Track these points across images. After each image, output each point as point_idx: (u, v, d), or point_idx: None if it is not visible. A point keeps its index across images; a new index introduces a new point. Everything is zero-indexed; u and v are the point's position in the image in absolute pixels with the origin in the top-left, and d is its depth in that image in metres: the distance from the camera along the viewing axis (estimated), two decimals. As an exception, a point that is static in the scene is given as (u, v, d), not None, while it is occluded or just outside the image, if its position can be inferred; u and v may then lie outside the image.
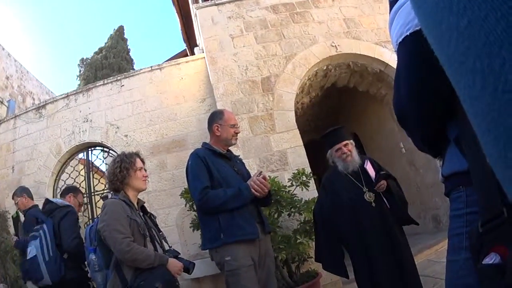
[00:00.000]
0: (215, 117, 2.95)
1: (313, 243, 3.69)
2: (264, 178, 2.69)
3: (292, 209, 4.48)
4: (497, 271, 0.70)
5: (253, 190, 2.61)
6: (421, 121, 1.00)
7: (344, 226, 3.21)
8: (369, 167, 3.31)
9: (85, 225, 6.85)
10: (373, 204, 3.15)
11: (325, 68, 6.54)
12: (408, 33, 0.94)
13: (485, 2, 0.26)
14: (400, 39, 0.96)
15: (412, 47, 0.94)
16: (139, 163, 2.72)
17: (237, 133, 2.94)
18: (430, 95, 0.94)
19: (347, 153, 3.32)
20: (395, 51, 1.03)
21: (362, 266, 3.14)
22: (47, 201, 4.24)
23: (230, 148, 3.08)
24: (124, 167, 2.63)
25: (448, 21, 0.30)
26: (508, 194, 0.30)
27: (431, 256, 5.26)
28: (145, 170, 2.79)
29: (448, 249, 1.02)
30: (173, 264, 2.49)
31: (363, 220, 3.12)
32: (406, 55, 0.98)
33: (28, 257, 3.65)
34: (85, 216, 7.03)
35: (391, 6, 1.03)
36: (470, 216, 0.92)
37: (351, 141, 3.46)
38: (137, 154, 2.80)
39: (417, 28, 0.90)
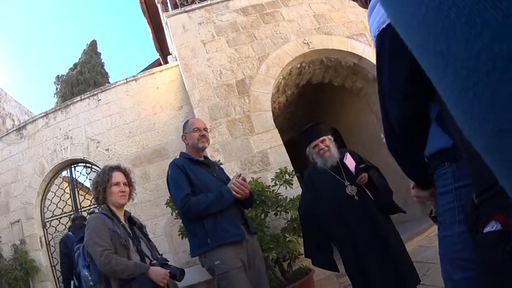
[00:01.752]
0: (183, 128, 3.03)
1: (302, 240, 3.73)
2: (243, 179, 2.73)
3: (278, 208, 4.50)
4: (500, 237, 0.72)
5: (234, 192, 2.65)
6: (407, 96, 1.02)
7: (328, 221, 3.23)
8: (348, 161, 3.32)
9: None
10: (356, 197, 3.16)
11: (299, 65, 6.57)
12: (384, 25, 0.99)
13: None
14: (384, 26, 1.01)
15: (395, 32, 0.98)
16: (115, 178, 2.71)
17: (202, 136, 2.94)
18: (415, 71, 0.95)
19: (324, 149, 3.32)
20: (373, 37, 1.07)
21: (350, 260, 3.16)
22: None
23: (210, 152, 3.12)
24: (100, 184, 2.65)
25: (409, 10, 0.33)
26: (488, 162, 0.34)
27: (423, 242, 5.29)
28: (128, 183, 2.79)
29: (440, 226, 1.04)
30: (155, 273, 2.46)
31: (347, 214, 3.13)
32: (389, 41, 1.01)
33: None
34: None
35: None
36: (459, 190, 0.94)
37: (329, 136, 3.46)
38: (117, 168, 2.80)
39: None
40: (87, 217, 3.02)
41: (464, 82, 0.29)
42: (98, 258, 2.33)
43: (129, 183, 2.81)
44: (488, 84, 0.28)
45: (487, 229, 0.76)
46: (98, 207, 2.74)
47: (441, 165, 1.01)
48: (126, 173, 2.83)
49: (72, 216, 4.89)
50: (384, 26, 1.01)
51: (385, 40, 1.03)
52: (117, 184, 2.70)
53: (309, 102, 9.24)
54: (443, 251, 1.04)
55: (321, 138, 3.36)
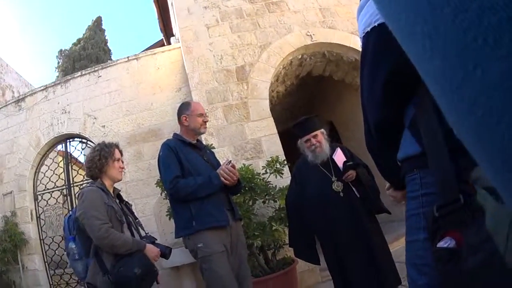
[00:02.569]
0: (183, 109, 3.03)
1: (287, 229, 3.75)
2: (233, 166, 2.77)
3: (267, 197, 4.52)
4: (451, 255, 0.74)
5: (222, 179, 2.68)
6: (384, 102, 1.04)
7: (312, 215, 3.25)
8: (337, 157, 3.32)
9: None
10: (341, 194, 3.19)
11: (300, 57, 6.56)
12: (376, 24, 0.99)
13: None
14: (368, 29, 1.01)
15: (379, 36, 0.98)
16: (117, 154, 2.78)
17: (205, 122, 3.00)
18: (393, 80, 0.99)
19: (316, 144, 3.32)
20: (360, 38, 1.09)
21: (331, 256, 3.19)
22: None
23: (204, 135, 3.15)
24: (103, 156, 2.68)
25: None
26: (472, 154, 0.32)
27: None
28: (122, 162, 2.85)
29: (407, 230, 1.07)
30: (151, 250, 2.55)
31: (331, 210, 3.15)
32: (373, 45, 1.02)
33: None
34: (65, 208, 7.05)
35: None
36: (425, 197, 0.97)
37: (322, 130, 3.45)
38: (116, 145, 2.85)
39: None
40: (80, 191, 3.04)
41: (453, 63, 0.28)
42: (97, 231, 2.34)
43: (122, 162, 2.87)
44: (479, 62, 0.26)
45: (441, 244, 0.78)
46: (91, 182, 2.75)
47: (411, 171, 1.03)
48: (121, 153, 2.89)
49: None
50: (369, 29, 1.02)
51: (369, 43, 1.04)
52: (118, 160, 2.77)
53: (308, 93, 9.24)
54: (408, 256, 1.06)
55: (313, 133, 3.36)
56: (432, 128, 0.90)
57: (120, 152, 2.87)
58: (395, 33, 0.36)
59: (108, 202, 2.51)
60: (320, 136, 3.38)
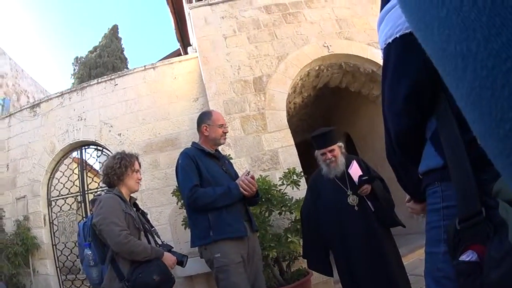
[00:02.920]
0: (204, 118, 3.01)
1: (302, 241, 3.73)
2: (252, 177, 2.75)
3: (283, 208, 4.51)
4: (474, 268, 0.74)
5: (241, 189, 2.66)
6: (406, 113, 1.04)
7: (327, 228, 3.25)
8: (353, 170, 3.30)
9: (79, 223, 6.87)
10: (356, 208, 3.17)
11: (317, 68, 6.57)
12: (398, 35, 0.98)
13: None
14: (390, 40, 1.01)
15: (401, 48, 0.99)
16: (136, 165, 2.81)
17: (225, 133, 2.99)
18: (415, 91, 0.99)
19: (331, 159, 3.31)
20: (381, 49, 1.08)
21: (343, 269, 3.18)
22: None
23: (220, 147, 3.14)
24: (123, 164, 2.70)
25: (430, 13, 0.33)
26: (500, 167, 0.33)
27: (423, 256, 5.29)
28: (140, 174, 2.87)
29: (427, 241, 1.06)
30: (168, 258, 2.56)
31: (345, 223, 3.14)
32: (395, 56, 1.02)
33: None
34: (79, 215, 7.07)
35: (383, 5, 1.08)
36: (446, 210, 0.96)
37: (339, 144, 3.45)
38: (136, 157, 2.88)
39: (407, 31, 0.95)
40: (97, 197, 3.05)
41: (483, 82, 0.30)
42: (116, 237, 2.34)
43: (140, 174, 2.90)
44: (507, 82, 0.28)
45: (463, 257, 0.78)
46: (107, 190, 2.76)
47: (432, 183, 1.03)
48: (140, 165, 2.92)
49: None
50: (390, 40, 1.02)
51: (390, 55, 1.04)
52: (137, 171, 2.80)
53: (325, 105, 9.23)
54: (428, 267, 1.06)
55: (329, 148, 3.34)
56: (454, 141, 0.90)
57: (139, 164, 2.89)
58: (426, 49, 0.38)
59: (126, 209, 2.53)
60: (337, 150, 3.38)
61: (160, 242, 2.80)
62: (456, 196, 0.88)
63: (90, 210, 4.54)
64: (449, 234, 0.87)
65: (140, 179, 2.83)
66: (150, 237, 2.68)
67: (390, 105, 1.08)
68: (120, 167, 2.68)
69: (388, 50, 1.04)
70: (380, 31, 1.08)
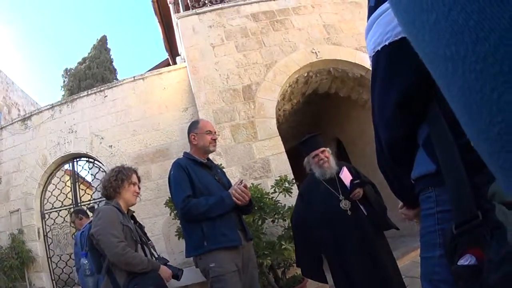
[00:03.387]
0: (191, 127, 3.01)
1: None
2: (245, 186, 2.75)
3: (276, 216, 4.52)
4: (473, 272, 0.74)
5: (234, 199, 2.66)
6: (397, 121, 1.04)
7: (320, 234, 3.25)
8: (344, 176, 3.32)
9: (72, 236, 6.87)
10: (349, 212, 3.17)
11: (306, 74, 6.59)
12: (387, 43, 0.98)
13: None
14: (379, 48, 1.00)
15: (391, 55, 0.98)
16: (134, 178, 2.83)
17: (214, 140, 2.98)
18: (406, 99, 0.98)
19: (324, 159, 3.33)
20: (369, 57, 1.07)
21: (338, 274, 3.18)
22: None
23: (212, 155, 3.14)
24: (120, 178, 2.73)
25: (420, 18, 0.34)
26: (492, 169, 0.34)
27: (417, 258, 5.29)
28: (139, 188, 2.89)
29: (422, 246, 1.06)
30: (165, 271, 2.58)
31: (339, 228, 3.14)
32: (384, 64, 1.02)
33: None
34: (73, 227, 7.05)
35: (370, 12, 1.07)
36: (441, 214, 0.96)
37: (328, 148, 3.48)
38: (135, 171, 2.91)
39: (396, 38, 0.95)
40: (96, 208, 3.07)
41: (472, 86, 0.31)
42: (113, 248, 2.36)
43: (139, 188, 2.91)
44: (495, 86, 0.29)
45: (461, 261, 0.78)
46: (97, 203, 2.79)
47: (426, 189, 1.02)
48: (139, 179, 2.95)
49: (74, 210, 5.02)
50: (379, 48, 1.01)
51: (379, 63, 1.03)
52: (135, 184, 2.82)
53: (315, 111, 9.25)
54: (424, 271, 1.06)
55: (321, 149, 3.38)
56: (447, 145, 0.90)
57: (138, 178, 2.92)
58: (418, 52, 0.38)
59: (124, 221, 2.54)
60: (327, 152, 3.41)
61: (156, 255, 2.80)
62: (451, 200, 0.88)
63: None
64: (445, 238, 0.87)
65: (137, 192, 2.84)
66: (146, 249, 2.69)
67: (380, 114, 1.08)
68: (117, 180, 2.71)
69: (377, 58, 1.04)
70: (369, 39, 1.08)
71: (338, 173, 3.35)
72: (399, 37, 0.95)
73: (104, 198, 2.84)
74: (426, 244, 1.04)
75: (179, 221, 4.30)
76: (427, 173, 1.00)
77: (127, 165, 2.97)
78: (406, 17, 0.37)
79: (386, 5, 1.01)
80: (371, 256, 3.04)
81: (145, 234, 2.89)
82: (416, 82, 0.95)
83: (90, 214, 4.89)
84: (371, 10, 1.08)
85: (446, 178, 0.89)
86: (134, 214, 2.90)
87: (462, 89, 0.32)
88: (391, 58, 0.99)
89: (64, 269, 6.70)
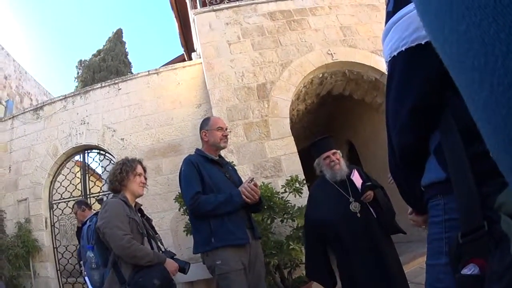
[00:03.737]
0: (203, 124, 3.03)
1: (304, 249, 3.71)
2: (255, 185, 2.74)
3: (285, 215, 4.52)
4: (476, 282, 0.74)
5: (244, 197, 2.66)
6: (410, 128, 1.03)
7: (329, 236, 3.25)
8: (355, 178, 3.30)
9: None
10: (359, 215, 3.14)
11: (320, 75, 6.58)
12: (403, 49, 0.97)
13: (479, 9, 0.30)
14: (395, 53, 1.00)
15: (407, 61, 0.98)
16: (139, 169, 2.82)
17: (225, 136, 2.98)
18: (420, 105, 0.98)
19: (335, 161, 3.31)
20: (386, 62, 1.07)
21: (345, 276, 3.17)
22: None
23: (224, 152, 3.13)
24: (124, 170, 2.73)
25: (450, 26, 0.33)
26: (507, 179, 0.33)
27: (424, 264, 5.29)
28: (145, 178, 2.89)
29: (428, 253, 1.06)
30: (171, 264, 2.58)
31: (348, 230, 3.11)
32: (400, 70, 1.02)
33: None
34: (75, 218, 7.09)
35: (388, 17, 1.07)
36: (449, 222, 0.96)
37: (339, 151, 3.47)
38: (139, 161, 2.90)
39: (412, 45, 0.94)
40: (103, 201, 3.09)
41: (499, 99, 0.30)
42: (119, 241, 2.37)
43: (145, 178, 2.91)
44: None
45: (465, 271, 0.78)
46: (106, 195, 2.80)
47: (434, 196, 1.02)
48: (144, 169, 2.93)
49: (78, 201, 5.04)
50: (395, 53, 1.01)
51: (395, 68, 1.04)
52: (140, 174, 2.81)
53: (328, 112, 9.24)
54: (428, 278, 1.06)
55: (332, 151, 3.36)
56: (457, 154, 0.90)
57: (144, 168, 2.90)
58: (444, 60, 0.37)
59: (130, 214, 2.55)
60: (338, 154, 3.39)
61: (163, 249, 2.81)
62: (459, 209, 0.87)
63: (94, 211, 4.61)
64: (450, 247, 0.87)
65: (144, 183, 2.84)
66: (153, 243, 2.70)
67: (394, 120, 1.08)
68: (121, 172, 2.72)
69: (393, 64, 1.04)
70: (385, 44, 1.07)
71: (348, 175, 3.33)
72: (416, 43, 0.95)
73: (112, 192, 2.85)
74: (432, 252, 1.04)
75: (187, 217, 4.31)
76: (436, 180, 1.00)
77: (131, 156, 2.98)
78: (434, 23, 0.37)
79: (404, 10, 1.00)
80: (379, 259, 3.01)
81: (152, 227, 2.91)
82: (431, 89, 0.96)
83: (99, 206, 4.89)
84: (389, 15, 1.08)
85: (454, 187, 0.89)
86: (141, 207, 2.92)
87: (488, 100, 0.31)
88: (407, 64, 0.99)
89: (70, 260, 6.71)
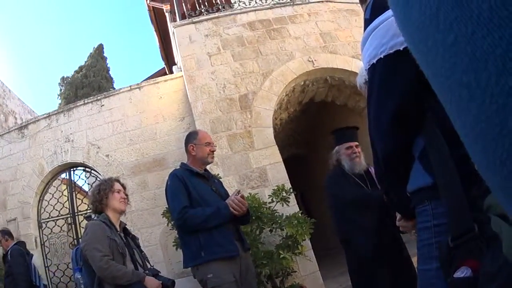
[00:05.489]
0: (190, 138, 3.02)
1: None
2: (242, 197, 2.75)
3: (274, 225, 4.53)
4: (469, 284, 0.75)
5: (231, 209, 2.66)
6: (393, 134, 1.04)
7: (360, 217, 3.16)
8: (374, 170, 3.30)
9: (70, 245, 6.86)
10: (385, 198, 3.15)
11: (302, 83, 6.60)
12: (382, 56, 0.99)
13: (471, 19, 0.27)
14: (374, 61, 1.02)
15: (386, 68, 0.99)
16: (117, 186, 2.83)
17: (212, 151, 2.99)
18: (401, 111, 0.99)
19: (357, 153, 3.31)
20: (365, 70, 1.09)
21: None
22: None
23: (209, 165, 3.14)
24: (102, 189, 2.75)
25: (434, 37, 0.30)
26: (499, 201, 0.32)
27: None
28: (125, 194, 2.89)
29: (419, 259, 1.08)
30: (151, 281, 2.57)
31: (375, 213, 3.07)
32: (380, 77, 1.03)
33: None
34: (70, 236, 7.04)
35: (366, 24, 1.09)
36: (437, 227, 0.97)
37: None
38: (116, 179, 2.93)
39: (391, 51, 0.96)
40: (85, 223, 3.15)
41: (491, 118, 0.27)
42: (98, 262, 2.40)
43: (125, 195, 2.91)
44: None
45: (458, 274, 0.79)
46: (96, 215, 2.82)
47: (422, 202, 1.03)
48: (123, 186, 2.94)
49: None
50: (374, 61, 1.02)
51: (375, 76, 1.04)
52: (119, 191, 2.82)
53: (311, 120, 9.25)
54: (422, 284, 1.07)
55: (356, 143, 3.37)
56: (443, 158, 0.91)
57: (123, 185, 2.92)
58: (426, 73, 0.35)
59: (110, 235, 2.55)
60: (360, 148, 3.38)
61: (149, 266, 2.82)
62: (448, 213, 0.88)
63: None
64: (441, 251, 0.88)
65: (124, 198, 2.84)
66: (138, 260, 2.70)
67: (376, 127, 1.09)
68: (100, 192, 2.74)
69: (372, 71, 1.05)
70: (364, 51, 1.09)
71: (365, 170, 3.32)
72: (394, 49, 0.96)
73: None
74: (423, 257, 1.05)
75: (176, 231, 4.32)
76: (423, 186, 1.01)
77: (116, 173, 3.02)
78: (416, 33, 0.34)
79: (381, 17, 1.02)
80: (398, 249, 3.03)
81: (138, 246, 2.90)
82: (412, 95, 0.96)
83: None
84: (367, 22, 1.10)
85: (442, 191, 0.90)
86: (127, 226, 2.94)
87: (478, 119, 0.29)
88: (387, 70, 1.00)
89: (61, 279, 6.67)
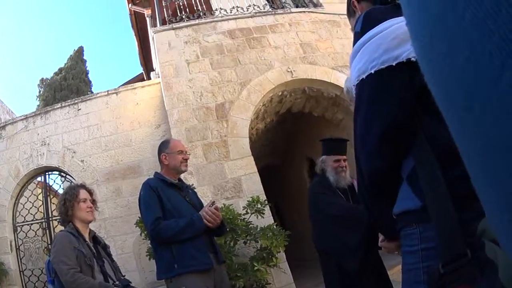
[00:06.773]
0: (162, 147, 2.98)
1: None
2: (216, 208, 2.72)
3: (248, 237, 4.52)
4: None
5: (205, 221, 2.64)
6: (379, 153, 1.01)
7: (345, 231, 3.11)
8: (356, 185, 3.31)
9: (44, 250, 6.80)
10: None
11: (280, 93, 6.59)
12: (372, 71, 0.95)
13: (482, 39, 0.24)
14: (364, 76, 0.98)
15: (376, 84, 0.96)
16: (82, 195, 2.75)
17: (186, 159, 2.95)
18: (390, 129, 0.96)
19: (344, 168, 3.29)
20: (353, 85, 1.05)
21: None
22: None
23: (183, 174, 3.11)
24: (67, 199, 2.68)
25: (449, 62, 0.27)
26: (500, 240, 0.30)
27: (393, 277, 5.32)
28: (92, 202, 2.82)
29: (404, 282, 1.05)
30: None
31: (359, 226, 3.00)
32: (369, 92, 0.99)
33: None
34: (44, 241, 6.98)
35: (356, 38, 1.06)
36: (426, 251, 0.94)
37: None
38: (82, 186, 2.86)
39: (382, 66, 0.93)
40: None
41: (497, 148, 0.25)
42: (64, 276, 2.36)
43: (93, 202, 2.85)
44: None
45: None
46: (64, 225, 2.78)
47: (409, 225, 1.00)
48: (90, 192, 2.87)
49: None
50: (364, 76, 0.99)
51: (364, 91, 1.02)
52: (85, 200, 2.74)
53: (288, 130, 9.27)
54: None
55: (344, 157, 3.34)
56: (434, 181, 0.88)
57: (89, 191, 2.86)
58: (438, 101, 0.32)
59: (78, 246, 2.50)
60: (346, 162, 3.36)
61: (121, 276, 2.76)
62: (438, 238, 0.86)
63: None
64: (430, 276, 0.86)
65: (90, 207, 2.78)
66: (109, 270, 2.65)
67: (363, 144, 1.06)
68: (65, 203, 2.67)
69: (361, 86, 1.01)
70: (353, 66, 1.06)
71: (349, 185, 3.30)
72: (386, 65, 0.93)
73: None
74: (409, 281, 1.02)
75: (149, 241, 4.32)
76: (411, 209, 0.98)
77: (90, 179, 2.97)
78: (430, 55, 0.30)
79: (374, 31, 0.99)
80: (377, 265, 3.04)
81: (109, 255, 2.85)
82: (402, 112, 0.93)
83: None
84: (357, 36, 1.07)
85: (433, 215, 0.87)
86: (99, 234, 2.94)
87: (485, 149, 0.27)
88: (377, 86, 0.97)
89: (36, 283, 6.61)
